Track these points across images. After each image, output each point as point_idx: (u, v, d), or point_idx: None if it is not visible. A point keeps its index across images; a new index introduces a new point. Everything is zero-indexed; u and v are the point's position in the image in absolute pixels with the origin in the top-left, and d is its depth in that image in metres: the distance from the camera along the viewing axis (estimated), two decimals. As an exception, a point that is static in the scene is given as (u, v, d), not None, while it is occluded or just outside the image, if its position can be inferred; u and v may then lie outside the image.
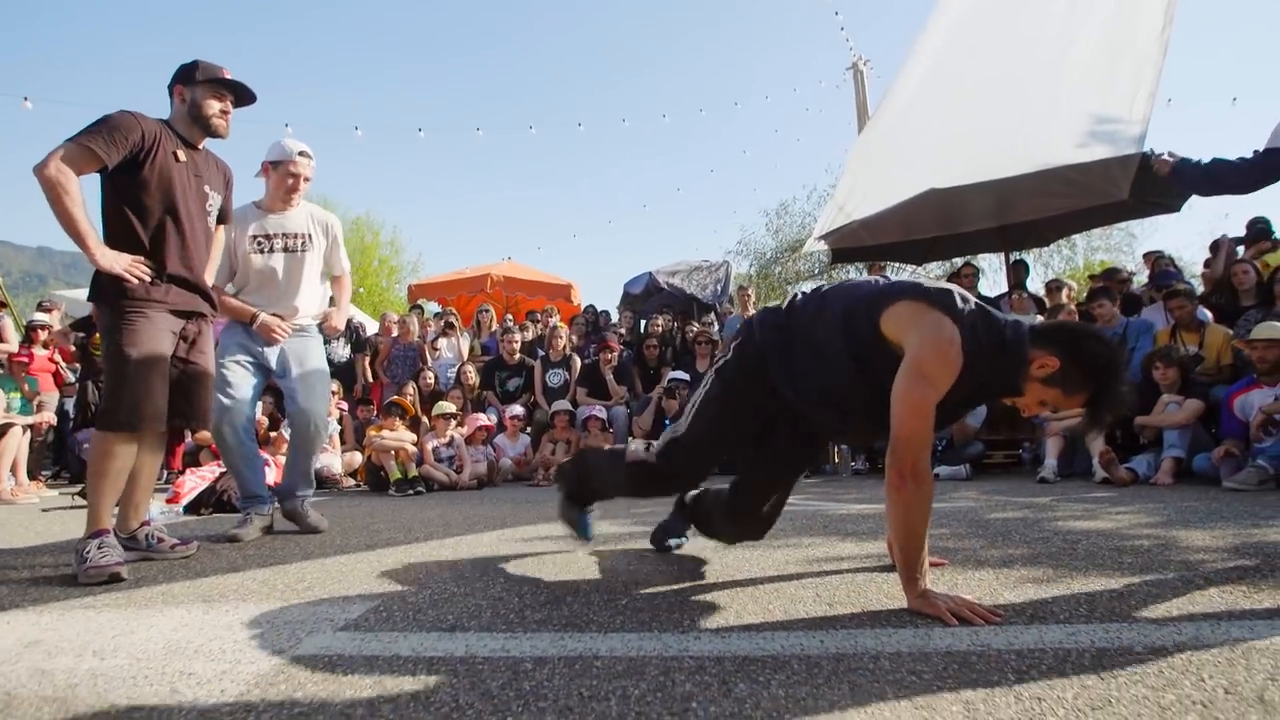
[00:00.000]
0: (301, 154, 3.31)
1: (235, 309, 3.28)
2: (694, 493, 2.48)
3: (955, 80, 8.26)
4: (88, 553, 2.33)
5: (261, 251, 3.31)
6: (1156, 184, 5.28)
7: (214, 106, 2.72)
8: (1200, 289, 6.66)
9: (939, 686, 1.23)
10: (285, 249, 3.35)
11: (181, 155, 2.65)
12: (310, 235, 3.41)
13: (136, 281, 2.49)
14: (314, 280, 3.48)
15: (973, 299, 1.83)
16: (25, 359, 6.39)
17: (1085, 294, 7.51)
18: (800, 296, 2.07)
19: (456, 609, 1.84)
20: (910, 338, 1.73)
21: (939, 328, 1.70)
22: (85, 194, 2.42)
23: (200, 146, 2.79)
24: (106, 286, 2.50)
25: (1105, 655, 1.36)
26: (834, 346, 1.87)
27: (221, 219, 2.95)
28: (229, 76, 2.76)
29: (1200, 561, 2.14)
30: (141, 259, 2.53)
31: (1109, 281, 7.02)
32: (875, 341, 1.80)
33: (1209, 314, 5.73)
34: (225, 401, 3.17)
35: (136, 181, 2.53)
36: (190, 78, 2.71)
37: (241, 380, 3.26)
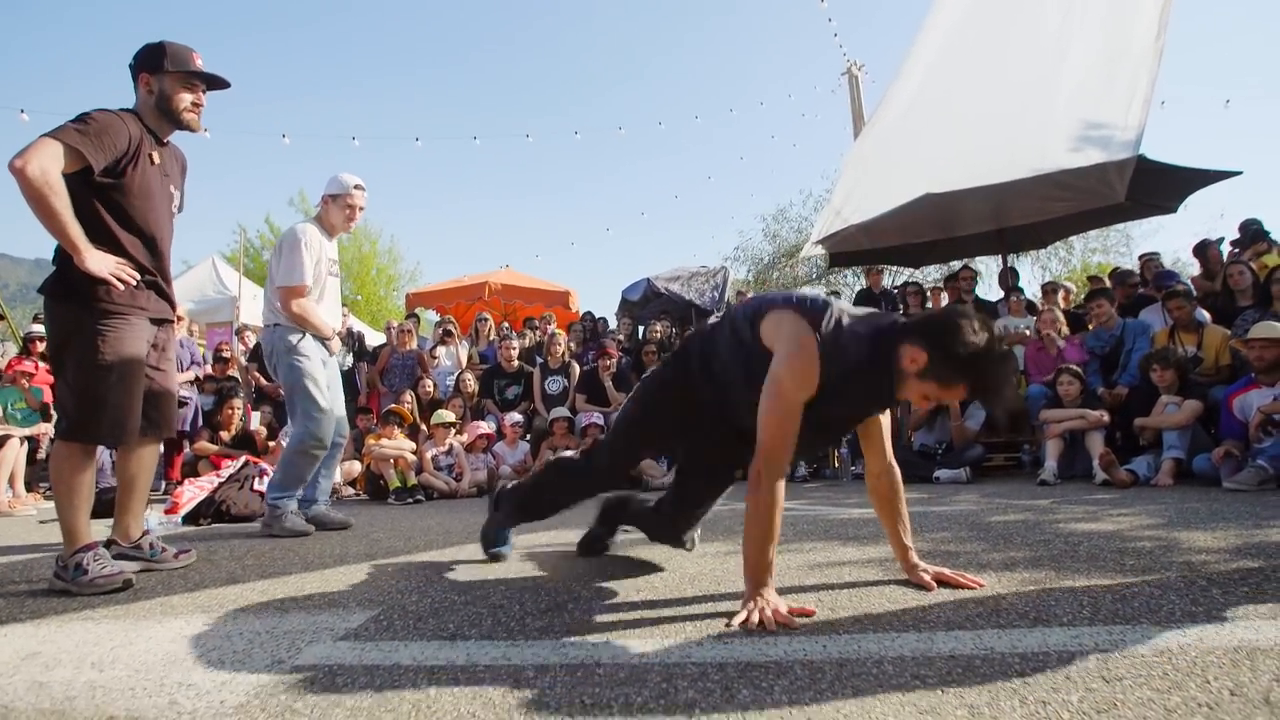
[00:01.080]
0: (358, 187, 3.64)
1: (318, 324, 3.57)
2: (617, 496, 2.64)
3: (951, 85, 8.31)
4: (85, 567, 2.27)
5: (333, 275, 3.72)
6: (1153, 185, 5.30)
7: (185, 99, 2.56)
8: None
9: (943, 690, 1.23)
10: (334, 274, 3.76)
11: (156, 158, 2.53)
12: (338, 260, 3.84)
13: (121, 287, 2.37)
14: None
15: (849, 311, 1.87)
16: (31, 369, 6.37)
17: (1083, 295, 7.53)
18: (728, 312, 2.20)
19: (457, 617, 1.83)
20: (778, 349, 1.81)
21: (794, 341, 1.78)
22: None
23: (167, 141, 2.65)
24: (84, 287, 2.34)
25: (1109, 658, 1.35)
26: (733, 359, 2.00)
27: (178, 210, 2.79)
28: (200, 64, 2.58)
29: (1202, 563, 2.14)
30: (126, 262, 2.41)
31: (1120, 286, 6.99)
32: (760, 354, 1.86)
33: (1207, 315, 5.74)
34: (327, 408, 3.53)
35: (115, 187, 2.41)
36: (158, 65, 2.52)
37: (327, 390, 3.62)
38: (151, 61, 2.53)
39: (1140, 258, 8.02)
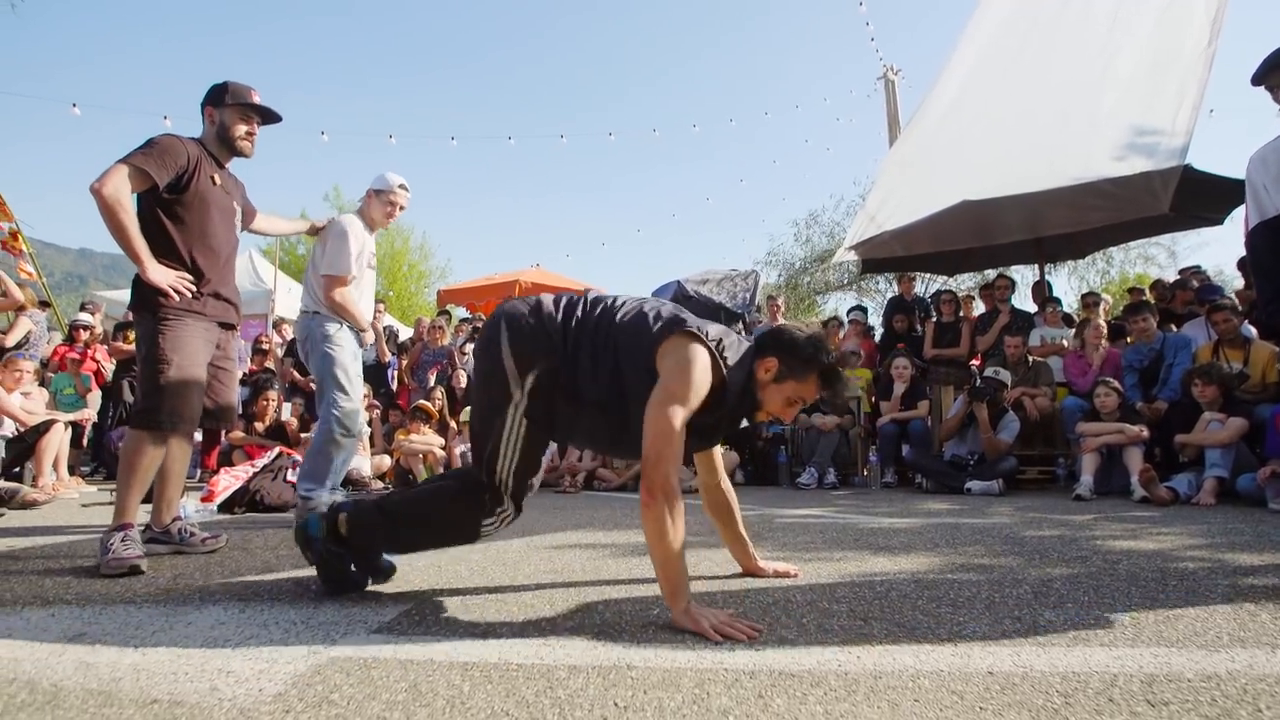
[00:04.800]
0: (401, 186, 3.73)
1: (357, 315, 3.62)
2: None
3: (992, 92, 8.18)
4: (111, 544, 2.43)
5: (370, 268, 3.78)
6: (1199, 196, 5.17)
7: (240, 129, 2.89)
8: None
9: (981, 708, 1.21)
10: (372, 267, 3.83)
11: (217, 179, 2.84)
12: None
13: (177, 298, 2.65)
14: None
15: (720, 332, 1.93)
16: (79, 357, 6.55)
17: (1121, 308, 7.37)
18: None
19: (488, 614, 1.85)
20: (665, 363, 1.81)
21: (692, 353, 1.79)
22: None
23: (226, 165, 2.96)
24: (149, 296, 2.64)
25: (1155, 681, 1.32)
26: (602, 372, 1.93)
27: (247, 222, 3.13)
28: (256, 100, 2.90)
29: (1249, 586, 2.08)
30: (186, 275, 2.69)
31: (1179, 290, 6.80)
32: (649, 373, 1.84)
33: (1254, 330, 5.58)
34: (356, 398, 3.57)
35: (179, 201, 2.71)
36: (220, 100, 2.87)
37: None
38: (215, 98, 2.88)
39: (1182, 271, 7.82)
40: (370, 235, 3.75)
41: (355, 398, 3.57)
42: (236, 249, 3.02)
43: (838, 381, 1.96)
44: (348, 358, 3.56)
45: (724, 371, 1.85)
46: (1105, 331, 6.12)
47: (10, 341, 6.57)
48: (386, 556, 2.18)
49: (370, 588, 2.15)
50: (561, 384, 1.90)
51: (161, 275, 2.61)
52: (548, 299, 2.01)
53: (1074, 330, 6.72)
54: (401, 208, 3.75)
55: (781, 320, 7.93)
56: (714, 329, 1.90)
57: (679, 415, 1.71)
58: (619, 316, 1.93)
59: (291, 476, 4.90)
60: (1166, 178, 5.84)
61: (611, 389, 1.87)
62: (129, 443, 2.64)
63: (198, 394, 2.71)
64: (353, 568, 2.10)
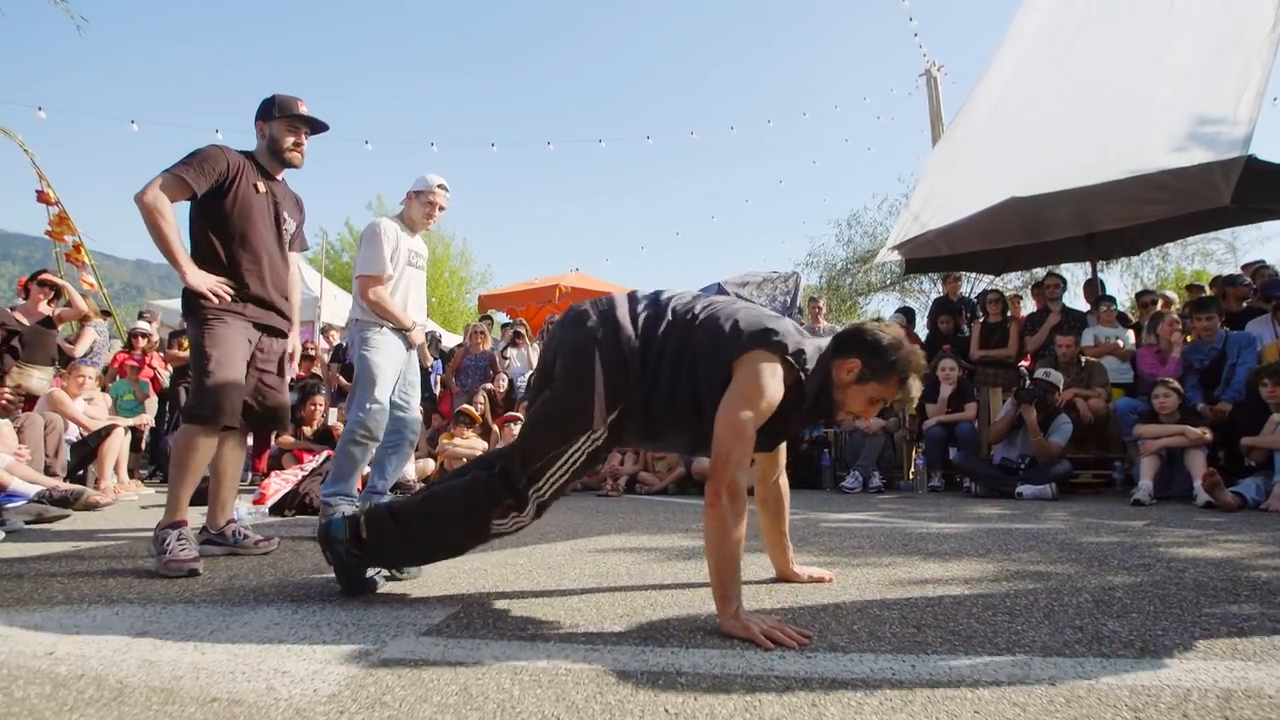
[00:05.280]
0: (440, 186, 3.72)
1: (397, 315, 3.59)
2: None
3: (1042, 83, 7.96)
4: (168, 544, 2.49)
5: (413, 265, 3.75)
6: (1263, 187, 4.95)
7: (288, 140, 2.95)
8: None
9: (1047, 721, 1.16)
10: (418, 266, 3.80)
11: (261, 187, 2.89)
12: (426, 257, 3.90)
13: (216, 301, 2.72)
14: (425, 297, 3.93)
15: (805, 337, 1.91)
16: (137, 364, 6.79)
17: (1183, 305, 7.09)
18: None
19: (536, 618, 1.85)
20: (740, 372, 1.79)
21: (769, 366, 1.78)
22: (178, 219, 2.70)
23: (279, 177, 3.02)
24: (193, 300, 2.72)
25: (1232, 696, 1.25)
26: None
27: (295, 244, 3.13)
28: (303, 110, 2.96)
29: (1329, 596, 1.97)
30: (225, 280, 2.75)
31: (1232, 287, 6.54)
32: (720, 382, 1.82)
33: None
34: (383, 400, 3.52)
35: (220, 208, 2.77)
36: (269, 114, 2.93)
37: (392, 385, 3.62)
38: (265, 112, 2.94)
39: (1245, 266, 7.49)
40: (412, 236, 3.76)
41: (385, 399, 3.54)
42: (287, 259, 3.05)
43: (915, 383, 1.94)
44: (384, 359, 3.54)
45: (802, 380, 1.83)
46: (1181, 326, 5.89)
47: (78, 352, 6.84)
48: (373, 573, 2.19)
49: (418, 594, 2.17)
50: (637, 412, 1.89)
51: (200, 279, 2.68)
52: (622, 311, 1.94)
53: (1131, 328, 6.50)
54: (441, 208, 3.76)
55: (824, 322, 7.84)
56: (793, 339, 1.85)
57: (751, 420, 1.71)
58: (697, 333, 1.88)
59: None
60: (1228, 168, 5.59)
61: (688, 406, 1.86)
62: (179, 438, 2.71)
63: (236, 388, 2.74)
64: (369, 573, 2.15)
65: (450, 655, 1.54)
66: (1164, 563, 2.52)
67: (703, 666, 1.44)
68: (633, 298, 2.01)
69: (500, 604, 2.01)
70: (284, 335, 3.07)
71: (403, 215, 3.79)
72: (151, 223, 2.60)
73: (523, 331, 8.85)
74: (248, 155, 2.91)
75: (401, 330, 3.64)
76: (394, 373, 3.61)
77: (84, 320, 7.06)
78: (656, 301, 1.98)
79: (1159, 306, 6.69)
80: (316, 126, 3.03)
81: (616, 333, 1.89)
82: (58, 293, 6.15)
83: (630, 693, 1.31)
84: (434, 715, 1.22)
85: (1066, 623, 1.75)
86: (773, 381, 1.76)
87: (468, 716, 1.21)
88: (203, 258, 2.77)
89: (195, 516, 2.73)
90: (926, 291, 18.89)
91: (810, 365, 1.85)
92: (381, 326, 3.57)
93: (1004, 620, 1.78)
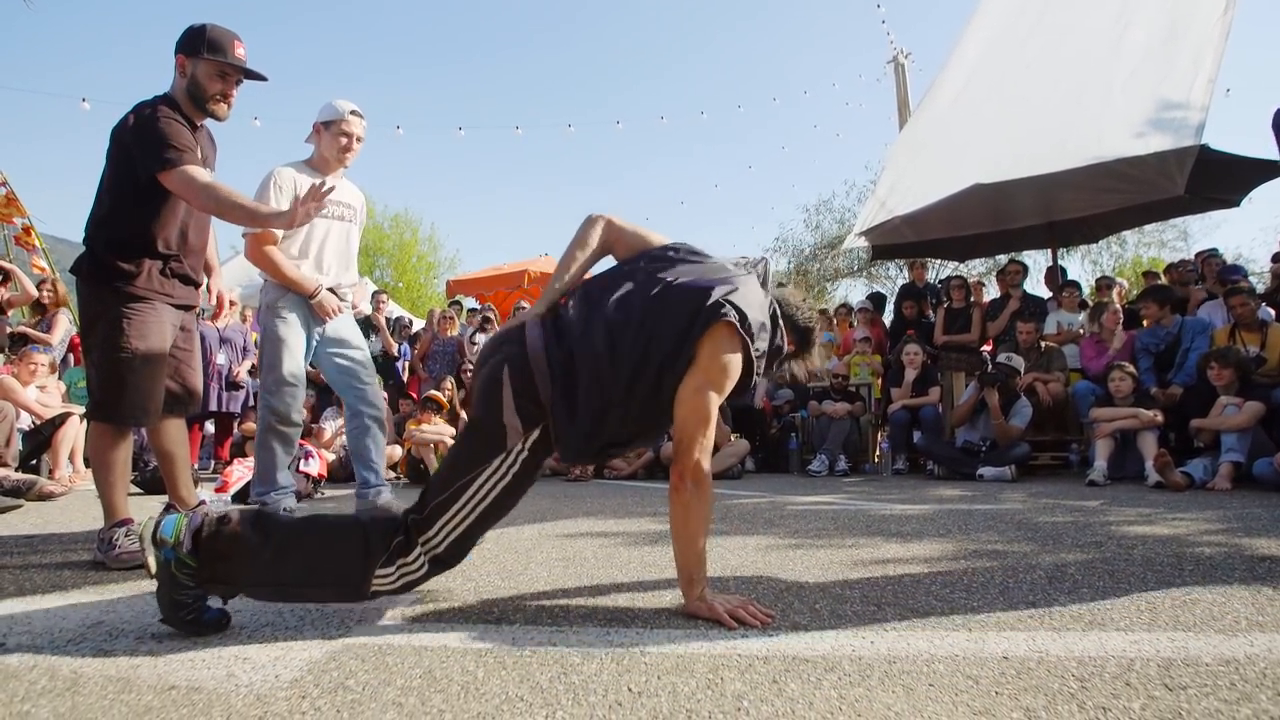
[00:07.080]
0: (353, 113, 3.09)
1: (297, 279, 3.01)
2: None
3: (1005, 70, 8.06)
4: (115, 540, 2.38)
5: (331, 217, 3.13)
6: (1215, 177, 5.09)
7: (215, 88, 2.47)
8: (1262, 287, 6.41)
9: (997, 692, 1.20)
10: (340, 218, 3.17)
11: None
12: (358, 209, 3.28)
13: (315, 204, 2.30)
14: (355, 256, 3.35)
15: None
16: None
17: (1134, 293, 7.28)
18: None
19: (501, 602, 1.85)
20: (704, 350, 1.69)
21: (731, 344, 1.70)
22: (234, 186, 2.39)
23: (200, 125, 2.56)
24: (110, 272, 2.38)
25: (1172, 665, 1.31)
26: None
27: None
28: (240, 54, 2.48)
29: (1268, 571, 2.05)
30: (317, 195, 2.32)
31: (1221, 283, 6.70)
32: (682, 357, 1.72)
33: (1272, 312, 5.51)
34: (290, 378, 3.01)
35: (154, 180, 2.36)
36: (195, 49, 2.43)
37: (302, 359, 3.10)
38: (190, 45, 2.45)
39: (1198, 255, 7.72)
40: (321, 177, 2.95)
41: (290, 377, 3.02)
42: (208, 221, 2.67)
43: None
44: (288, 331, 3.03)
45: (751, 352, 1.73)
46: (1122, 316, 6.05)
47: (54, 340, 6.63)
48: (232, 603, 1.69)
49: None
50: (592, 405, 1.69)
51: (296, 205, 2.31)
52: (533, 327, 1.78)
53: (1088, 315, 6.66)
54: (359, 138, 3.12)
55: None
56: (752, 311, 1.74)
57: (714, 402, 1.69)
58: (646, 314, 1.73)
59: (305, 466, 4.95)
60: (1182, 158, 5.74)
61: (646, 406, 1.73)
62: (95, 439, 2.46)
63: (162, 386, 2.50)
64: (209, 604, 1.62)
65: (415, 639, 1.53)
66: (1115, 540, 2.60)
67: (667, 646, 1.46)
68: (563, 305, 1.87)
69: (466, 588, 2.01)
70: (195, 307, 2.71)
71: (311, 157, 3.14)
72: (211, 207, 2.37)
73: (492, 317, 8.78)
74: (165, 100, 2.44)
75: (305, 296, 3.04)
76: (300, 344, 3.07)
77: (56, 308, 6.84)
78: (587, 297, 1.83)
79: (1114, 292, 6.86)
80: (251, 76, 2.54)
81: (523, 344, 1.74)
82: (6, 276, 5.94)
83: (594, 673, 1.32)
84: (397, 698, 1.22)
85: (1020, 599, 1.81)
86: (735, 360, 1.72)
87: (431, 699, 1.21)
88: (121, 222, 2.40)
89: (154, 506, 2.67)
90: (893, 278, 19.13)
91: (754, 331, 1.74)
92: (287, 292, 3.04)
93: (961, 597, 1.83)
